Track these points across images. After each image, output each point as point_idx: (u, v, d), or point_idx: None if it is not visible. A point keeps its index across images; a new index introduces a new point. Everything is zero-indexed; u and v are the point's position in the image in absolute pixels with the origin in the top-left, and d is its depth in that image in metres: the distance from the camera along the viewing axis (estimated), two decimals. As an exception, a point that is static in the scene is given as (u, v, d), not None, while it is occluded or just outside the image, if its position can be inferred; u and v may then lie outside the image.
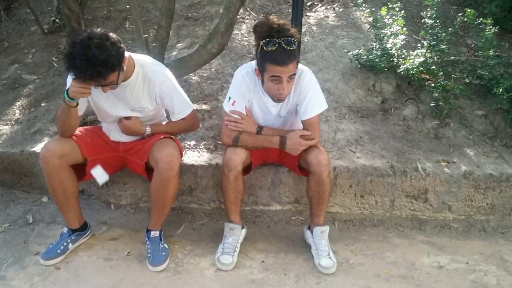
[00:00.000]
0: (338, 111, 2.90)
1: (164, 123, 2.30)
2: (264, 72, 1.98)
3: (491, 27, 2.93)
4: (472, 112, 2.93)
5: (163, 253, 2.15)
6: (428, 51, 2.95)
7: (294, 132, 2.12)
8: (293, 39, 1.91)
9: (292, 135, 2.11)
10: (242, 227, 2.26)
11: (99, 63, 1.78)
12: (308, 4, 4.00)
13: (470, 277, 2.11)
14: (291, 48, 1.90)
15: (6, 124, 2.94)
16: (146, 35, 2.76)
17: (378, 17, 3.10)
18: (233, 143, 2.14)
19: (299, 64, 2.12)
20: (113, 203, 2.61)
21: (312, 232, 2.24)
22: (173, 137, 2.22)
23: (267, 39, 1.90)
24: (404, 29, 3.03)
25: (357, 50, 3.15)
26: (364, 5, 3.33)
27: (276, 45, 1.89)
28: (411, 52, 3.03)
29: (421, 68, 2.93)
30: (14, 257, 2.18)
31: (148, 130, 2.21)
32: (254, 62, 2.09)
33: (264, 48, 1.91)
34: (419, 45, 3.18)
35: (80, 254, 2.20)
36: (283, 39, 1.89)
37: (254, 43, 2.00)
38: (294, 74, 1.99)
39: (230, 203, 2.20)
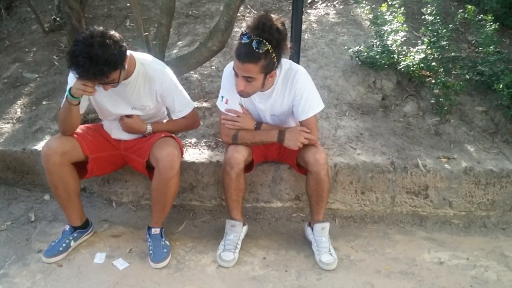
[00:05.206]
0: (339, 108, 2.90)
1: (165, 121, 2.31)
2: None
3: (491, 23, 2.92)
4: (473, 108, 2.92)
5: (165, 250, 2.16)
6: (429, 47, 2.95)
7: (294, 127, 2.13)
8: (265, 42, 1.81)
9: (292, 129, 2.11)
10: (243, 224, 2.27)
11: (102, 62, 1.79)
12: (309, 1, 3.99)
13: (470, 273, 2.12)
14: (257, 50, 1.82)
15: (8, 123, 2.95)
16: (146, 33, 2.77)
17: (379, 14, 3.09)
18: (232, 141, 2.14)
19: (294, 64, 2.10)
20: (115, 201, 2.63)
21: (312, 229, 2.24)
22: (174, 135, 2.23)
23: (245, 32, 1.86)
24: (405, 25, 3.02)
25: (357, 47, 3.14)
26: (364, 2, 3.32)
27: (247, 41, 1.84)
28: (411, 49, 3.03)
29: (422, 65, 2.92)
30: (16, 254, 2.20)
31: (149, 128, 2.22)
32: None
33: (239, 38, 1.88)
34: (419, 41, 3.17)
35: (82, 252, 2.21)
36: (256, 38, 1.83)
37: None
38: (250, 77, 1.90)
39: (232, 201, 2.21)
